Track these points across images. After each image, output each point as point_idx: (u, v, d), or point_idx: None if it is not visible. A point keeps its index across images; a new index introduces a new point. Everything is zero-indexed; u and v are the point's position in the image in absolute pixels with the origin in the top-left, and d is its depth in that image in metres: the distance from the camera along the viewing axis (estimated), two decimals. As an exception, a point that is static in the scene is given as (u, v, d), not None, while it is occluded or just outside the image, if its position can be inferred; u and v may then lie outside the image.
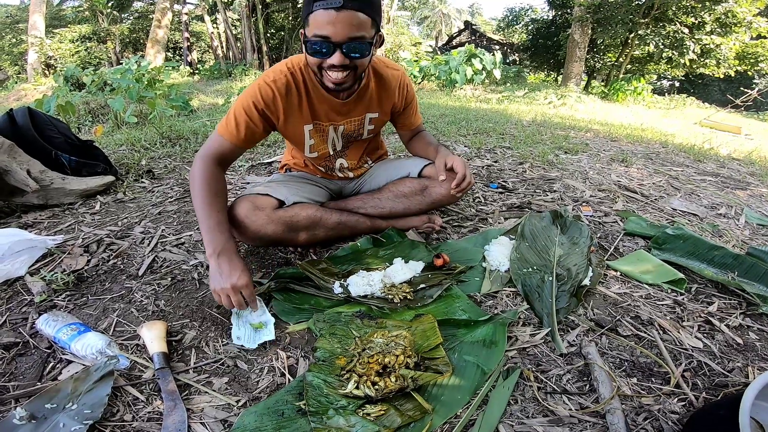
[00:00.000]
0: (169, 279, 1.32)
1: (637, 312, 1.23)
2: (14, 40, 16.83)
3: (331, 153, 1.49)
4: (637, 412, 0.90)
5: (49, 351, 1.02)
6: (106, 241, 1.53)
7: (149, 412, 0.87)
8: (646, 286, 1.37)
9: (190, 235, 1.60)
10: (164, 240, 1.57)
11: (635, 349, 1.08)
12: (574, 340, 1.10)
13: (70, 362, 0.99)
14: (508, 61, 15.40)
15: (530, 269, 1.38)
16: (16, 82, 11.85)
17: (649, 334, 1.13)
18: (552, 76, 16.02)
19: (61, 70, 10.21)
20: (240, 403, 0.90)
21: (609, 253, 1.60)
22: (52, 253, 1.42)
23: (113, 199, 1.96)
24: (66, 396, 0.87)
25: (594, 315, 1.21)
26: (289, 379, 0.97)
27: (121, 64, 8.17)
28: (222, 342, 1.08)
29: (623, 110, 7.91)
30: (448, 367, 0.93)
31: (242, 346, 1.05)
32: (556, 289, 1.28)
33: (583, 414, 0.88)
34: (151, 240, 1.55)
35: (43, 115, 2.16)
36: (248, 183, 2.23)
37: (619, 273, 1.45)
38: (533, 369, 1.00)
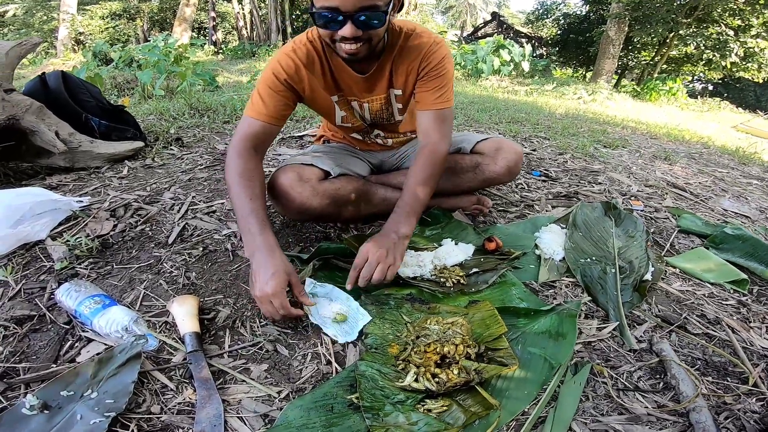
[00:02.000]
0: (201, 249, 1.24)
1: (702, 310, 1.16)
2: (45, 17, 17.03)
3: (366, 125, 1.38)
4: (717, 411, 0.83)
5: (67, 327, 0.92)
6: (134, 206, 1.46)
7: (180, 403, 0.77)
8: (708, 285, 1.29)
9: (222, 203, 1.52)
10: (195, 207, 1.49)
11: (707, 348, 1.01)
12: (641, 336, 1.02)
13: (90, 341, 0.89)
14: (535, 54, 15.00)
15: (588, 259, 1.26)
16: (45, 58, 11.97)
17: (719, 333, 1.06)
18: (580, 72, 15.57)
19: (90, 46, 10.27)
20: (282, 395, 0.80)
21: (665, 249, 1.49)
22: (77, 217, 1.35)
23: (141, 165, 1.89)
24: (85, 382, 0.75)
25: (659, 311, 1.13)
26: (336, 368, 0.87)
27: (149, 41, 8.16)
28: (259, 322, 0.98)
29: (656, 110, 7.61)
30: (513, 360, 0.82)
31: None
32: (620, 282, 1.16)
33: (662, 412, 0.81)
34: (181, 206, 1.48)
35: (76, 78, 2.10)
36: (280, 155, 2.15)
37: (678, 270, 1.36)
38: (602, 364, 0.92)
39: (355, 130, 1.40)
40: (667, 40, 10.49)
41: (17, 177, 1.71)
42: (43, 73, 2.02)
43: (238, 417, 0.75)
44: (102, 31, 14.90)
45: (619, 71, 12.34)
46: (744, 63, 10.26)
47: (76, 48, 13.16)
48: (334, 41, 1.04)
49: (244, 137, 1.13)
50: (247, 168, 1.08)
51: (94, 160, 1.85)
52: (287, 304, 0.92)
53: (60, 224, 1.30)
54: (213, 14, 16.04)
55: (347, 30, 0.97)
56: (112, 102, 2.18)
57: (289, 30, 14.35)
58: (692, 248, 1.52)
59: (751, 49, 9.77)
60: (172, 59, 5.84)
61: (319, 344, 0.93)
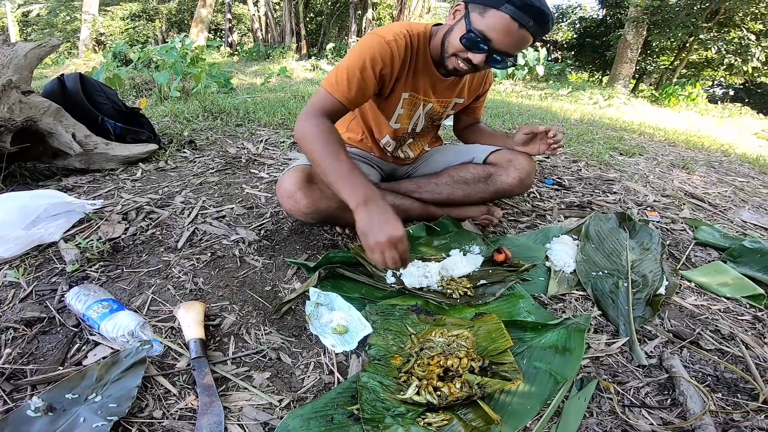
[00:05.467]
0: (209, 254, 1.25)
1: (717, 325, 1.14)
2: (68, 17, 17.41)
3: (409, 131, 1.40)
4: (724, 428, 0.82)
5: (75, 330, 0.93)
6: (145, 209, 1.48)
7: (182, 409, 0.77)
8: (724, 300, 1.27)
9: (232, 208, 1.53)
10: (205, 212, 1.50)
11: (719, 364, 0.99)
12: (652, 352, 1.01)
13: (97, 344, 0.90)
14: (550, 58, 14.86)
15: (600, 273, 1.24)
16: (67, 58, 12.24)
17: (732, 349, 1.04)
18: (596, 76, 15.36)
19: (110, 47, 10.47)
20: (283, 404, 0.80)
21: (681, 262, 1.45)
22: (90, 219, 1.36)
23: (155, 167, 1.92)
24: (90, 385, 0.76)
25: (671, 326, 1.11)
26: (338, 378, 0.87)
27: (167, 42, 8.31)
28: (264, 330, 0.98)
29: (675, 116, 7.45)
30: (518, 374, 0.81)
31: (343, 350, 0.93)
32: (632, 296, 1.14)
33: (667, 429, 0.80)
34: (192, 210, 1.49)
35: (94, 81, 2.14)
36: (290, 159, 2.16)
37: (693, 284, 1.33)
38: (609, 380, 0.90)
39: (397, 135, 1.40)
40: (687, 45, 10.30)
41: (34, 177, 1.75)
42: (62, 75, 2.06)
43: (238, 424, 0.75)
44: (122, 32, 15.15)
45: (636, 76, 12.13)
46: (766, 68, 10.02)
47: (96, 48, 13.44)
48: (456, 55, 1.10)
49: (322, 109, 1.11)
50: (332, 131, 1.08)
51: (109, 162, 1.88)
52: (408, 251, 0.92)
53: (73, 226, 1.32)
54: (229, 16, 16.23)
55: (478, 58, 1.06)
56: (129, 103, 2.23)
57: (302, 32, 14.54)
58: (709, 261, 1.48)
59: (773, 54, 9.53)
60: (189, 61, 5.92)
61: (322, 354, 0.93)
